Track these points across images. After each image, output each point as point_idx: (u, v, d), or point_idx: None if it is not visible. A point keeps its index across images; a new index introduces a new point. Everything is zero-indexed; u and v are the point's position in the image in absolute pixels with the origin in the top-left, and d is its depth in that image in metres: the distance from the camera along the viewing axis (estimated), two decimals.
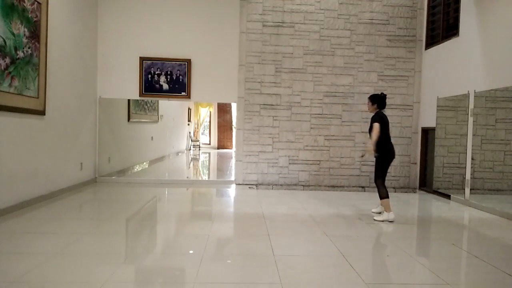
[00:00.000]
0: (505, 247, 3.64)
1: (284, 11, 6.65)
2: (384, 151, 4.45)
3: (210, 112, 14.49)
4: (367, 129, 6.74)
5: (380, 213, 4.61)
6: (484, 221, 4.62)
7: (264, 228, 3.94)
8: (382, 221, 4.37)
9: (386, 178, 6.74)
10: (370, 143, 4.43)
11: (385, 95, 4.62)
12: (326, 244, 3.46)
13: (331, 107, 6.73)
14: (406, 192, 6.69)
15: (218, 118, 14.97)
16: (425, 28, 6.71)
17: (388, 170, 6.74)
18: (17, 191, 4.37)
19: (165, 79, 6.72)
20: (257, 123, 6.69)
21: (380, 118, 4.43)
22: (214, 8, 6.73)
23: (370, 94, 4.74)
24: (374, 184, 6.73)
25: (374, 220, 4.41)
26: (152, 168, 8.59)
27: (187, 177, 8.66)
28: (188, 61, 6.70)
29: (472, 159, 5.47)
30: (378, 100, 4.57)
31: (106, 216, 4.44)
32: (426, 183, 6.80)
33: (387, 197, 4.41)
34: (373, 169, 6.74)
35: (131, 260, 2.99)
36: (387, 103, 6.71)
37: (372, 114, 4.60)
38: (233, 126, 13.56)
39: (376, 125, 4.36)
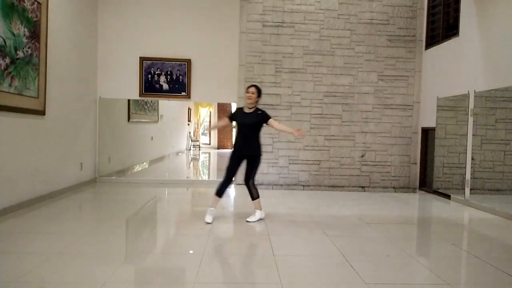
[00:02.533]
0: (505, 247, 3.64)
1: (284, 11, 6.65)
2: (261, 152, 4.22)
3: (210, 112, 14.47)
4: (367, 129, 6.75)
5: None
6: (484, 221, 4.62)
7: (264, 228, 3.94)
8: (257, 220, 4.18)
9: (385, 178, 6.80)
10: (291, 130, 4.09)
11: None
12: (326, 244, 3.46)
13: (331, 107, 6.72)
14: (406, 192, 6.69)
15: (218, 118, 14.95)
16: (425, 28, 6.71)
17: (388, 171, 6.80)
18: (17, 191, 4.37)
19: (165, 79, 6.71)
20: None
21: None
22: (214, 8, 6.73)
23: (254, 84, 4.23)
24: (373, 184, 6.76)
25: (248, 221, 4.16)
26: (152, 168, 8.58)
27: (187, 177, 8.66)
28: (188, 61, 6.70)
29: (472, 159, 5.47)
30: (261, 94, 4.21)
31: (106, 216, 4.44)
32: (426, 183, 6.80)
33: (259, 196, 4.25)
34: (373, 169, 6.77)
35: (131, 260, 2.99)
36: (387, 103, 6.79)
37: (253, 106, 4.14)
38: (233, 126, 13.53)
39: (275, 121, 4.15)
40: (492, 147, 5.60)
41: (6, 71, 4.12)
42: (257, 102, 4.18)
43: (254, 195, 4.25)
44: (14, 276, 2.51)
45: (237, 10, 6.66)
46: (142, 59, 6.66)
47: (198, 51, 6.74)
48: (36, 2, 4.65)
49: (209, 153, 13.82)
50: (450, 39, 6.02)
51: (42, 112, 4.85)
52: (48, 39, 4.93)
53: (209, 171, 10.14)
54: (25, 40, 4.46)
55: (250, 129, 4.11)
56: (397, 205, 5.53)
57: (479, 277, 2.81)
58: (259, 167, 4.28)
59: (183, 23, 6.72)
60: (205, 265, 2.83)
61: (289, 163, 6.73)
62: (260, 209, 4.27)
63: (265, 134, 6.68)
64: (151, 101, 8.11)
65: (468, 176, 5.50)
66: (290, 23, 6.65)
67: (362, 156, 6.80)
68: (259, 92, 4.16)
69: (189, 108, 12.00)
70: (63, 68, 5.46)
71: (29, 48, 4.54)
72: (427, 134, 6.72)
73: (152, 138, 8.81)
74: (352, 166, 6.77)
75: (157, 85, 6.72)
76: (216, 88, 6.79)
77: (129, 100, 7.32)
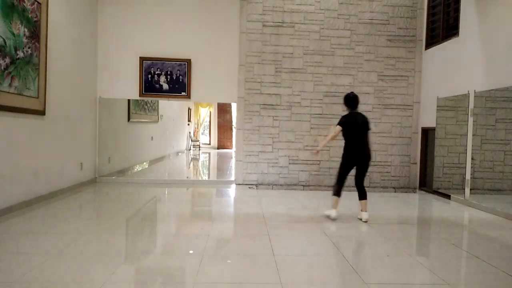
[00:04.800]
0: (505, 247, 3.64)
1: (284, 11, 6.65)
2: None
3: (210, 112, 14.48)
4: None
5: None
6: (484, 221, 4.62)
7: (264, 228, 3.94)
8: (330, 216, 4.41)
9: (385, 178, 6.80)
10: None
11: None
12: (326, 244, 3.46)
13: (331, 107, 6.72)
14: (406, 192, 6.69)
15: (218, 118, 14.96)
16: (425, 28, 6.71)
17: (388, 171, 6.80)
18: (17, 191, 4.37)
19: (165, 79, 6.71)
20: (257, 123, 6.68)
21: None
22: (214, 8, 6.73)
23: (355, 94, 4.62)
24: (373, 184, 6.76)
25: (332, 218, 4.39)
26: (152, 168, 8.58)
27: (187, 177, 8.66)
28: (188, 61, 6.70)
29: (472, 159, 5.47)
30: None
31: (106, 216, 4.44)
32: (426, 183, 6.80)
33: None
34: (373, 169, 6.76)
35: (131, 260, 2.99)
36: (387, 103, 6.78)
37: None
38: (233, 126, 13.56)
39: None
40: (492, 147, 5.60)
41: (6, 71, 4.13)
42: None
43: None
44: (14, 276, 2.51)
45: (237, 10, 6.66)
46: (142, 59, 6.66)
47: (198, 51, 6.74)
48: (36, 2, 4.65)
49: (209, 153, 13.83)
50: (450, 39, 6.02)
51: (42, 112, 4.85)
52: (48, 39, 4.93)
53: (209, 171, 10.14)
54: (25, 40, 4.46)
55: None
56: (397, 205, 5.53)
57: (479, 277, 2.81)
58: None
59: (183, 23, 6.72)
60: (205, 265, 2.83)
61: (289, 163, 6.73)
62: (336, 209, 4.42)
63: (265, 134, 6.68)
64: (151, 101, 8.11)
65: (468, 176, 5.50)
66: (290, 23, 6.65)
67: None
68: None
69: (189, 108, 12.01)
70: (63, 68, 5.46)
71: (29, 48, 4.54)
72: (427, 134, 6.72)
73: (152, 138, 8.81)
74: None
75: (157, 85, 6.72)
76: (216, 88, 6.79)
77: (129, 100, 7.32)
